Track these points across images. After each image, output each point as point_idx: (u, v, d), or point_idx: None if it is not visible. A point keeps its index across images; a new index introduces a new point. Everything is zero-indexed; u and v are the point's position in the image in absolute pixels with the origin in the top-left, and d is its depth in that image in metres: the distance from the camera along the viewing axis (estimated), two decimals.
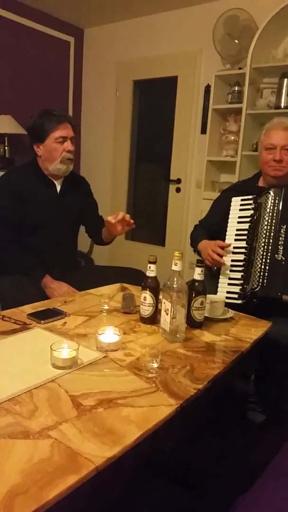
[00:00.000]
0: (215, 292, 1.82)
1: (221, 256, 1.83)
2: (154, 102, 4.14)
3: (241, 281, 1.80)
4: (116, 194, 4.32)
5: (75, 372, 1.11)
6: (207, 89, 3.49)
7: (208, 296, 1.53)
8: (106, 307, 1.62)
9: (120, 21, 4.03)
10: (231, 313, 1.61)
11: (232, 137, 3.30)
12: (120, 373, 1.12)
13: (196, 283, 1.45)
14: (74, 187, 2.17)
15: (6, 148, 3.60)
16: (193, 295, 1.44)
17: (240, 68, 3.17)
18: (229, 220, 1.91)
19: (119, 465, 0.82)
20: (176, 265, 1.36)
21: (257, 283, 1.80)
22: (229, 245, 1.83)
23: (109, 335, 1.28)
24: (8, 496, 0.67)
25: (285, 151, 1.85)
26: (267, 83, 3.12)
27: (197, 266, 1.46)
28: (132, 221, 1.96)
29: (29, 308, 1.56)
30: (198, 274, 1.45)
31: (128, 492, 1.38)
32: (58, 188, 2.10)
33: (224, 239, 1.89)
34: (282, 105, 2.89)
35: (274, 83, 3.01)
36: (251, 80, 3.00)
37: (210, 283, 1.87)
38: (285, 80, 2.86)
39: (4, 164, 3.44)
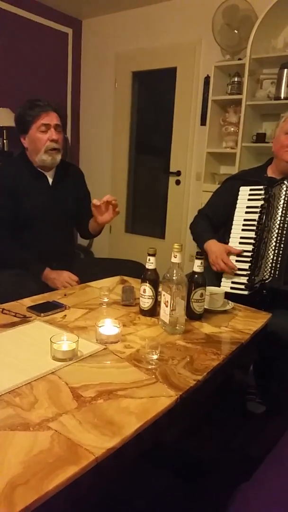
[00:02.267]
0: (217, 283, 1.79)
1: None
2: (153, 94, 4.11)
3: (248, 272, 1.76)
4: (115, 186, 4.31)
5: (75, 364, 1.11)
6: (207, 80, 3.47)
7: (208, 288, 1.53)
8: (105, 299, 1.62)
9: (118, 12, 3.99)
10: (230, 305, 1.61)
11: (232, 129, 3.28)
12: (120, 365, 1.13)
13: (196, 275, 1.45)
14: (67, 178, 2.13)
15: (4, 141, 3.59)
16: (193, 287, 1.44)
17: (239, 59, 3.15)
18: (236, 210, 1.85)
19: (119, 456, 0.82)
20: (175, 257, 1.36)
21: (268, 275, 1.79)
22: (240, 252, 1.78)
23: (109, 327, 1.28)
24: (9, 487, 0.68)
25: None
26: (267, 74, 3.09)
27: (196, 258, 1.45)
28: (116, 202, 1.89)
29: (28, 301, 1.56)
30: (197, 266, 1.45)
31: (128, 483, 1.39)
32: (50, 180, 2.06)
33: (230, 229, 1.85)
34: (282, 96, 2.87)
35: (274, 73, 2.98)
36: (250, 71, 2.98)
37: (211, 274, 1.86)
38: (285, 70, 2.84)
39: (2, 157, 3.43)
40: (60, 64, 4.19)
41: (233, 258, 1.80)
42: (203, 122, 3.54)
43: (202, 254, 1.47)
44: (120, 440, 0.82)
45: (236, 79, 3.17)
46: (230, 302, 1.63)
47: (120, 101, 4.15)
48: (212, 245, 1.88)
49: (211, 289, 1.60)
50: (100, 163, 4.35)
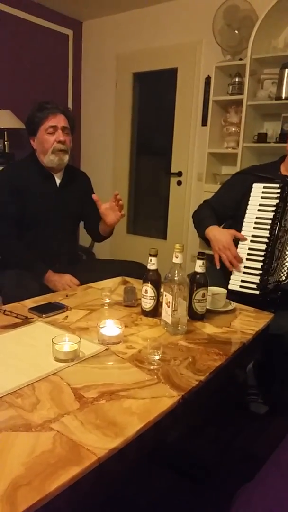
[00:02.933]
0: (224, 283, 1.75)
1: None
2: (154, 95, 4.11)
3: (261, 271, 1.71)
4: (117, 187, 4.31)
5: (77, 365, 1.11)
6: (208, 80, 3.47)
7: (210, 288, 1.52)
8: (107, 300, 1.62)
9: (118, 13, 3.99)
10: (232, 305, 1.61)
11: (233, 129, 3.28)
12: (122, 366, 1.12)
13: (198, 276, 1.44)
14: (74, 182, 2.16)
15: (5, 143, 3.59)
16: (195, 287, 1.43)
17: (240, 59, 3.14)
18: (249, 207, 1.79)
19: (121, 456, 0.82)
20: (177, 258, 1.35)
21: (285, 276, 1.76)
22: (246, 238, 1.75)
23: (111, 328, 1.28)
24: (11, 488, 0.68)
25: None
26: (267, 74, 3.08)
27: (198, 258, 1.45)
28: (122, 203, 1.95)
29: (30, 302, 1.56)
30: (199, 266, 1.44)
31: (130, 483, 1.38)
32: (58, 181, 2.09)
33: (238, 226, 1.80)
34: (283, 95, 2.87)
35: (275, 73, 2.98)
36: (251, 71, 2.98)
37: (218, 272, 1.83)
38: (286, 70, 2.83)
39: (4, 159, 3.44)
40: (60, 65, 4.20)
41: (244, 256, 1.76)
42: (204, 122, 3.54)
43: (203, 254, 1.46)
44: (123, 441, 0.82)
45: (237, 79, 3.16)
46: (232, 302, 1.62)
47: (121, 102, 4.16)
48: (216, 232, 1.82)
49: (213, 289, 1.59)
50: (101, 164, 4.36)
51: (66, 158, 2.02)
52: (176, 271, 1.34)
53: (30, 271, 1.94)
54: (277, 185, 1.74)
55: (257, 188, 1.80)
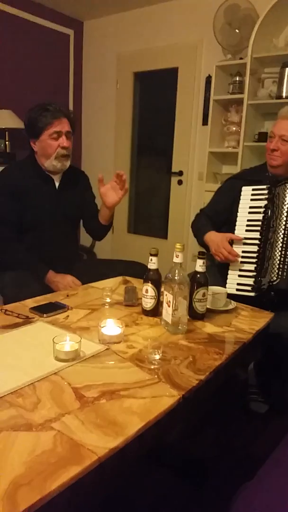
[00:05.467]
0: (223, 285, 1.77)
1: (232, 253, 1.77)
2: (155, 94, 4.11)
3: (255, 273, 1.74)
4: None
5: (77, 364, 1.12)
6: (208, 79, 3.46)
7: (210, 287, 1.52)
8: (108, 300, 1.62)
9: (119, 12, 3.99)
10: (233, 304, 1.61)
11: (234, 128, 3.28)
12: (123, 365, 1.13)
13: (198, 275, 1.44)
14: (73, 182, 2.15)
15: (7, 143, 3.60)
16: (195, 287, 1.44)
17: (241, 58, 3.14)
18: (239, 210, 1.83)
19: (122, 456, 0.82)
20: (177, 257, 1.36)
21: (276, 276, 1.77)
22: (241, 239, 1.77)
23: (112, 327, 1.28)
24: (12, 487, 0.68)
25: (282, 141, 1.80)
26: (268, 73, 3.08)
27: (198, 258, 1.45)
28: (124, 177, 1.96)
29: (31, 302, 1.56)
30: (200, 266, 1.44)
31: (131, 483, 1.39)
32: (57, 183, 2.08)
33: (233, 230, 1.82)
34: (284, 95, 2.87)
35: (275, 72, 2.98)
36: (252, 70, 2.98)
37: (218, 274, 1.85)
38: (287, 69, 2.83)
39: (5, 159, 3.44)
40: (61, 65, 4.20)
41: (239, 259, 1.78)
42: (205, 122, 3.54)
43: (204, 253, 1.46)
44: (123, 440, 0.82)
45: (237, 79, 3.16)
46: (232, 301, 1.62)
47: (121, 102, 4.16)
48: (212, 236, 1.87)
49: (213, 288, 1.60)
50: (102, 163, 4.36)
51: (68, 163, 2.02)
52: (176, 271, 1.34)
53: (32, 272, 1.94)
54: (265, 186, 1.77)
55: (246, 191, 1.83)
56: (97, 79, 4.31)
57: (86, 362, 1.13)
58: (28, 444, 0.79)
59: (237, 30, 3.14)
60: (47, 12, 3.92)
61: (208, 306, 1.51)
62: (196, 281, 1.44)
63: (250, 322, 1.49)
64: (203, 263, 1.45)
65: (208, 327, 1.43)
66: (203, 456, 1.59)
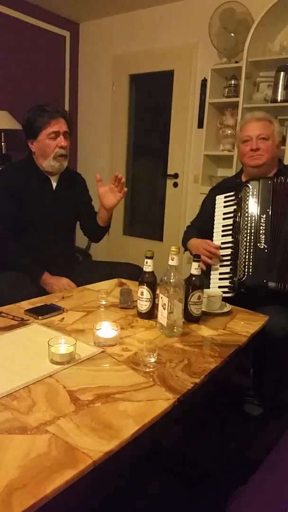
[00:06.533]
0: (208, 287, 1.83)
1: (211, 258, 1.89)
2: (150, 97, 4.12)
3: (230, 274, 1.84)
4: None
5: (72, 367, 1.11)
6: (204, 83, 3.47)
7: (206, 290, 1.53)
8: (103, 302, 1.62)
9: (115, 14, 4.00)
10: (228, 307, 1.61)
11: (229, 131, 3.29)
12: (118, 368, 1.13)
13: (193, 278, 1.45)
14: (70, 183, 2.16)
15: (2, 144, 3.59)
16: (190, 289, 1.44)
17: (236, 62, 3.16)
18: (215, 218, 1.98)
19: (117, 459, 0.82)
20: (172, 260, 1.36)
21: (243, 273, 1.81)
22: (218, 247, 1.88)
23: (107, 330, 1.28)
24: (6, 491, 0.68)
25: (261, 140, 1.91)
26: (263, 77, 3.10)
27: (194, 260, 1.46)
28: (123, 180, 1.97)
29: (26, 304, 1.56)
30: (195, 268, 1.45)
31: (126, 486, 1.39)
32: (54, 184, 2.09)
33: (212, 238, 1.94)
34: (279, 98, 2.88)
35: (270, 76, 3.00)
36: (247, 73, 2.99)
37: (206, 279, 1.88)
38: (282, 73, 2.84)
39: (1, 160, 3.43)
40: (57, 67, 4.20)
41: (218, 263, 1.89)
42: (200, 124, 3.55)
43: (199, 256, 1.48)
44: (118, 444, 0.82)
45: (233, 82, 3.18)
46: (227, 304, 1.63)
47: (117, 104, 4.16)
48: (193, 241, 2.02)
49: (208, 291, 1.60)
50: (97, 165, 4.35)
51: (65, 163, 2.03)
52: (172, 273, 1.35)
53: (27, 273, 1.94)
54: (233, 193, 1.92)
55: (220, 199, 1.99)
56: (93, 81, 4.31)
57: (81, 365, 1.13)
58: (23, 447, 0.79)
59: (232, 34, 3.15)
60: (43, 14, 3.92)
61: (203, 309, 1.51)
62: (192, 284, 1.44)
63: (245, 325, 1.50)
64: (198, 266, 1.46)
65: (204, 330, 1.43)
66: (198, 459, 1.60)
